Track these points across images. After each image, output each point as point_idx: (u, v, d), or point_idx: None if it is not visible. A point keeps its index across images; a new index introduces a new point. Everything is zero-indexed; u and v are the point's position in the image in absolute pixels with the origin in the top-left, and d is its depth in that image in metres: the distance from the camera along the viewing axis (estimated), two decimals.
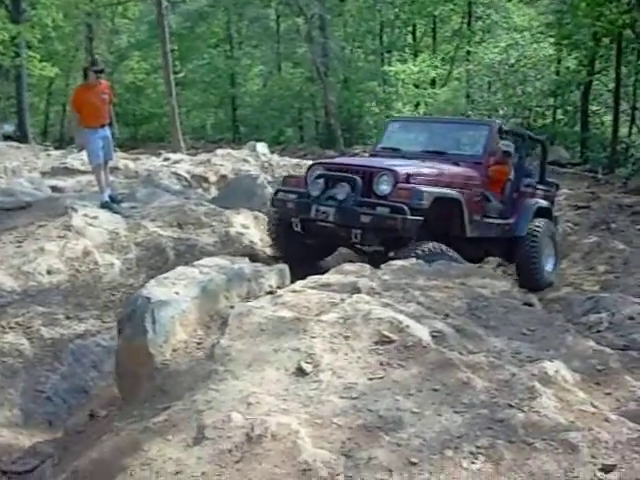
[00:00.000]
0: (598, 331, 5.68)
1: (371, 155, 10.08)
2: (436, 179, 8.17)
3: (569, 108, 23.17)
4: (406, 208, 7.44)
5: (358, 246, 8.50)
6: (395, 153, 9.39)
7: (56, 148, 22.23)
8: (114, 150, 10.38)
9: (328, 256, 9.16)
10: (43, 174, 13.23)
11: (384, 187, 7.79)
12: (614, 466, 3.17)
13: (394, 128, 10.35)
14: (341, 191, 7.86)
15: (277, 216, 8.70)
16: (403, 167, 8.09)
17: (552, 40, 21.27)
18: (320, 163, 8.94)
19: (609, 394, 4.11)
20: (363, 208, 7.68)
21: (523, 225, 9.33)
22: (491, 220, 8.93)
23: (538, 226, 9.31)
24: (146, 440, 3.50)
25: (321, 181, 8.13)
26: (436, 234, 7.86)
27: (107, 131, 9.47)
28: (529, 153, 11.95)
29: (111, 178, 10.59)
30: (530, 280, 8.99)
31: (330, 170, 8.36)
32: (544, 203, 9.88)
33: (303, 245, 8.63)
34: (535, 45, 22.97)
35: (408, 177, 7.89)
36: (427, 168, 8.37)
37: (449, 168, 8.58)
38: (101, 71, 9.53)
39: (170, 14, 27.36)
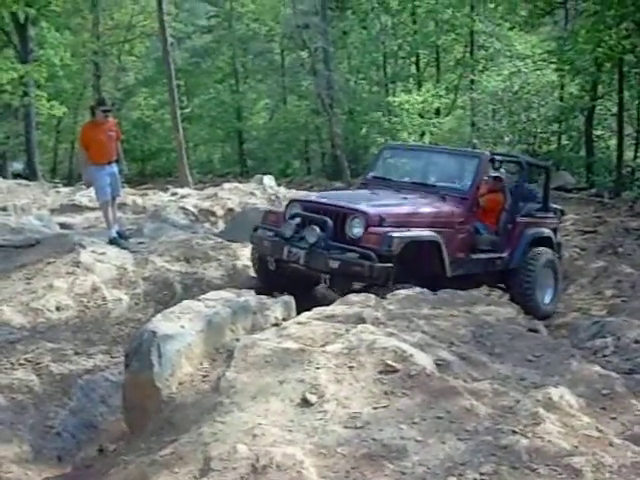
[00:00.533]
0: (604, 355, 5.69)
1: (361, 184, 9.74)
2: (413, 220, 7.91)
3: (573, 133, 23.24)
4: (373, 255, 7.25)
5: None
6: (384, 183, 9.17)
7: (65, 185, 22.40)
8: (122, 186, 10.50)
9: (311, 290, 8.68)
10: (52, 211, 13.35)
11: (356, 230, 7.61)
12: None
13: (388, 155, 10.08)
14: (312, 234, 7.64)
15: (256, 253, 8.54)
16: (377, 208, 7.83)
17: (554, 67, 21.35)
18: (297, 200, 8.73)
19: (614, 418, 4.13)
20: (332, 252, 7.49)
21: (518, 257, 9.00)
22: (481, 255, 8.65)
23: (533, 258, 9.00)
24: (153, 473, 3.54)
25: (294, 222, 7.94)
26: (418, 274, 7.65)
27: (114, 168, 9.58)
28: (533, 179, 11.79)
29: (119, 214, 10.70)
30: (525, 312, 8.51)
31: (306, 209, 8.16)
32: (544, 232, 9.51)
33: (284, 281, 8.27)
34: (538, 72, 23.10)
35: (380, 220, 7.63)
36: (405, 207, 8.13)
37: (430, 207, 8.29)
38: (109, 110, 9.68)
39: (176, 50, 27.76)
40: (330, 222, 7.68)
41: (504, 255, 8.95)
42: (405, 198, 8.44)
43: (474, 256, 8.52)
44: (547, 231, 9.57)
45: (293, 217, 8.06)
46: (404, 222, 7.77)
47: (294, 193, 16.50)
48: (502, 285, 9.37)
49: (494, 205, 9.28)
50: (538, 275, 8.95)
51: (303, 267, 7.69)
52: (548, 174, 10.12)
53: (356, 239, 7.54)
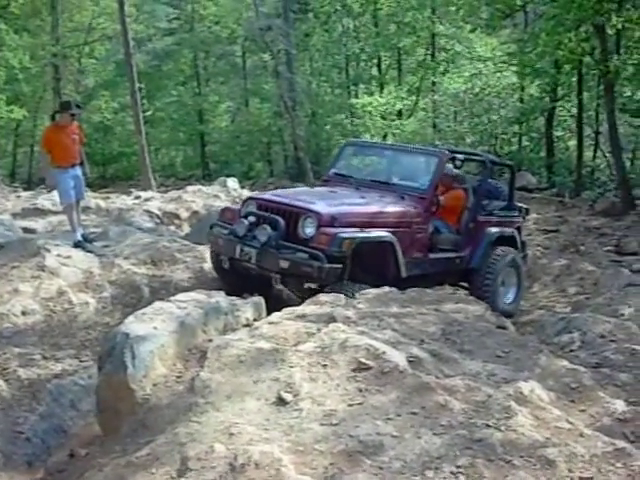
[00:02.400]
0: (571, 350, 5.78)
1: (323, 181, 9.56)
2: (367, 220, 7.78)
3: (534, 134, 23.55)
4: (322, 256, 7.17)
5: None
6: (345, 181, 9.05)
7: (25, 189, 22.09)
8: (85, 189, 10.40)
9: (267, 289, 8.28)
10: (14, 215, 13.14)
11: (309, 230, 7.50)
12: (591, 479, 3.25)
13: (349, 152, 9.90)
14: (263, 233, 7.56)
15: (213, 251, 8.47)
16: (331, 208, 7.72)
17: (515, 69, 21.64)
18: (253, 198, 8.61)
19: (584, 411, 4.21)
20: (283, 252, 7.42)
21: (479, 256, 8.87)
22: (439, 255, 8.57)
23: (495, 257, 8.87)
24: (130, 474, 3.53)
25: (246, 220, 7.85)
26: (374, 274, 7.63)
27: (78, 171, 9.49)
28: (495, 178, 11.71)
29: (83, 217, 10.59)
30: None
31: (260, 207, 8.07)
32: (507, 231, 9.35)
33: (240, 280, 8.18)
34: (498, 74, 23.39)
35: (332, 220, 7.51)
36: (359, 207, 8.02)
37: (386, 206, 8.17)
38: (75, 114, 9.57)
39: (137, 53, 27.54)
40: (282, 221, 7.60)
41: (464, 254, 8.87)
42: (362, 197, 8.34)
43: (433, 255, 8.45)
44: (510, 230, 9.45)
45: (247, 215, 7.97)
46: (358, 222, 7.67)
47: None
48: (464, 284, 9.25)
49: (455, 203, 9.16)
50: (499, 275, 8.85)
51: (255, 266, 7.63)
52: (513, 173, 9.95)
53: (308, 239, 7.46)
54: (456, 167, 9.06)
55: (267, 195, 8.78)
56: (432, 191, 8.50)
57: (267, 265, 7.53)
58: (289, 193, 8.84)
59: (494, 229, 9.15)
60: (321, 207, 7.70)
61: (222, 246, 8.06)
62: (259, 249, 7.53)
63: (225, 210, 8.82)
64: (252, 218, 7.89)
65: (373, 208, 8.07)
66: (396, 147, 9.75)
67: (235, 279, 8.20)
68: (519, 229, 9.83)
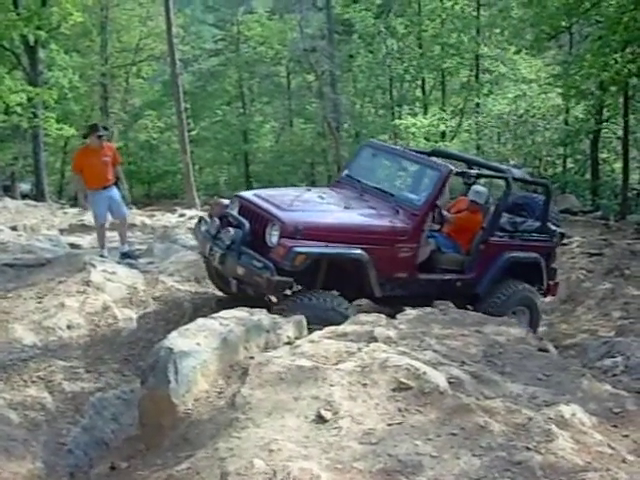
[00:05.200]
0: (614, 375, 5.73)
1: (336, 182, 9.10)
2: (337, 233, 7.26)
3: (579, 157, 23.34)
4: (273, 267, 6.89)
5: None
6: (353, 185, 8.50)
7: (72, 206, 22.49)
8: (129, 207, 10.58)
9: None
10: (61, 231, 13.42)
11: (273, 238, 7.15)
12: None
13: (367, 154, 9.14)
14: (227, 236, 7.34)
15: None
16: (298, 218, 7.26)
17: (560, 90, 21.49)
18: (239, 196, 8.14)
19: (626, 436, 4.16)
20: (242, 258, 7.14)
21: (486, 282, 8.17)
22: (434, 276, 7.98)
23: (504, 290, 8.20)
24: None
25: (218, 220, 7.67)
26: (346, 291, 7.35)
27: (112, 191, 9.63)
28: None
29: (128, 234, 10.75)
30: None
31: (242, 206, 7.75)
32: (529, 256, 8.56)
33: (217, 280, 8.10)
34: (543, 95, 23.27)
35: (296, 231, 7.09)
36: (330, 219, 7.46)
37: (367, 220, 7.62)
38: (102, 135, 9.71)
39: (183, 73, 27.96)
40: (247, 226, 7.33)
41: (469, 277, 8.20)
42: (347, 207, 7.75)
43: (424, 276, 7.86)
44: (534, 255, 8.62)
45: (223, 215, 7.77)
46: (326, 235, 7.19)
47: None
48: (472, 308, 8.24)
49: (469, 225, 8.57)
50: (504, 310, 8.02)
51: (219, 267, 7.51)
52: (549, 193, 9.04)
53: (271, 248, 7.12)
54: (467, 184, 8.78)
55: (249, 195, 8.22)
56: (427, 208, 7.84)
57: (226, 269, 7.37)
58: (272, 195, 8.15)
59: (510, 253, 8.41)
60: (288, 216, 7.29)
61: (199, 243, 7.92)
62: (223, 251, 7.33)
63: (215, 205, 8.51)
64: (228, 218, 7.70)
65: (349, 221, 7.53)
66: (407, 155, 8.83)
67: (213, 279, 8.21)
68: (550, 255, 8.96)
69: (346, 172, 9.02)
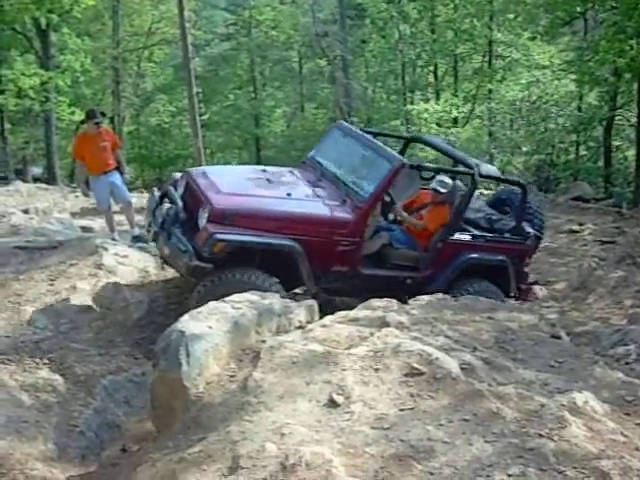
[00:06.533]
0: (626, 363, 5.68)
1: (302, 163, 8.61)
2: (267, 221, 6.99)
3: (592, 144, 23.15)
4: (193, 252, 6.73)
5: None
6: (313, 169, 8.17)
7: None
8: (139, 192, 10.62)
9: None
10: (73, 214, 13.46)
11: (202, 221, 6.90)
12: None
13: (335, 137, 8.66)
14: (159, 214, 7.25)
15: None
16: (228, 202, 7.01)
17: (573, 77, 21.32)
18: (187, 172, 7.91)
19: (639, 424, 4.13)
20: (172, 239, 7.00)
21: (441, 281, 7.66)
22: (379, 272, 7.63)
23: (461, 290, 7.60)
24: (182, 470, 3.58)
25: (157, 195, 7.56)
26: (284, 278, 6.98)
27: (113, 176, 9.64)
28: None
29: (138, 217, 10.75)
30: None
31: (187, 184, 7.55)
32: (493, 258, 8.05)
33: None
34: (556, 82, 23.07)
35: (223, 216, 6.85)
36: (266, 206, 7.15)
37: (304, 209, 7.29)
38: (100, 122, 9.71)
39: (195, 58, 27.89)
40: (180, 206, 7.16)
41: (421, 275, 7.77)
42: (289, 194, 7.43)
43: (368, 271, 7.50)
44: (500, 258, 8.08)
45: (165, 192, 7.62)
46: (255, 223, 6.94)
47: None
48: None
49: (436, 218, 8.05)
50: None
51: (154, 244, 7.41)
52: (525, 192, 8.39)
53: (200, 230, 6.91)
54: (423, 178, 8.28)
55: (195, 172, 7.92)
56: (372, 202, 7.47)
57: (157, 247, 7.31)
58: (219, 174, 7.82)
59: (471, 253, 7.94)
60: (219, 200, 7.02)
61: (144, 217, 7.84)
62: (158, 228, 7.28)
63: (174, 179, 8.20)
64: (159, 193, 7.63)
65: (283, 209, 7.19)
66: (367, 142, 8.14)
67: None
68: (521, 258, 8.36)
69: (312, 153, 8.63)
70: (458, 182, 8.59)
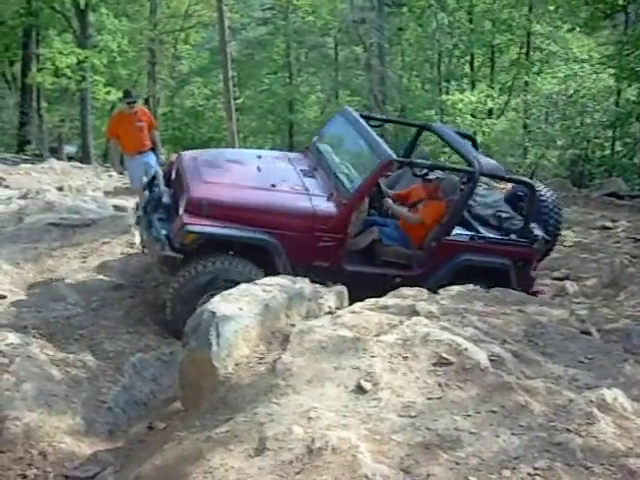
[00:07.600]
0: None
1: (306, 148, 8.48)
2: (245, 214, 6.81)
3: (628, 140, 22.88)
4: (165, 241, 6.63)
5: None
6: (312, 158, 7.99)
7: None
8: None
9: None
10: (106, 193, 13.57)
11: (180, 209, 6.76)
12: None
13: (338, 124, 8.42)
14: (144, 198, 7.21)
15: None
16: (208, 192, 6.83)
17: (612, 71, 21.05)
18: (181, 155, 7.74)
19: None
20: (152, 224, 6.93)
21: (432, 283, 7.07)
22: (366, 269, 7.34)
23: None
24: (209, 449, 3.61)
25: (148, 177, 7.57)
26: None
27: (148, 157, 9.75)
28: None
29: None
30: None
31: (177, 168, 7.43)
32: (495, 261, 7.65)
33: None
34: (594, 76, 22.79)
35: (200, 206, 6.69)
36: (245, 197, 6.95)
37: (285, 202, 7.06)
38: (134, 101, 9.85)
39: (231, 41, 27.88)
40: (162, 192, 7.08)
41: (410, 274, 7.41)
42: (273, 185, 7.18)
43: (352, 268, 7.21)
44: (501, 261, 7.68)
45: (154, 177, 7.60)
46: (231, 215, 6.76)
47: None
48: None
49: (432, 213, 7.72)
50: None
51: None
52: (533, 192, 7.90)
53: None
54: (415, 175, 7.85)
55: (186, 156, 7.69)
56: (356, 198, 7.19)
57: (140, 231, 7.27)
58: (209, 160, 7.57)
59: (468, 255, 7.57)
60: (198, 189, 6.86)
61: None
62: (142, 212, 7.27)
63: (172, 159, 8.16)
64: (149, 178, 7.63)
65: (261, 201, 6.98)
66: (364, 132, 7.82)
67: None
68: (527, 261, 7.90)
69: (315, 140, 8.41)
70: (455, 178, 8.17)
